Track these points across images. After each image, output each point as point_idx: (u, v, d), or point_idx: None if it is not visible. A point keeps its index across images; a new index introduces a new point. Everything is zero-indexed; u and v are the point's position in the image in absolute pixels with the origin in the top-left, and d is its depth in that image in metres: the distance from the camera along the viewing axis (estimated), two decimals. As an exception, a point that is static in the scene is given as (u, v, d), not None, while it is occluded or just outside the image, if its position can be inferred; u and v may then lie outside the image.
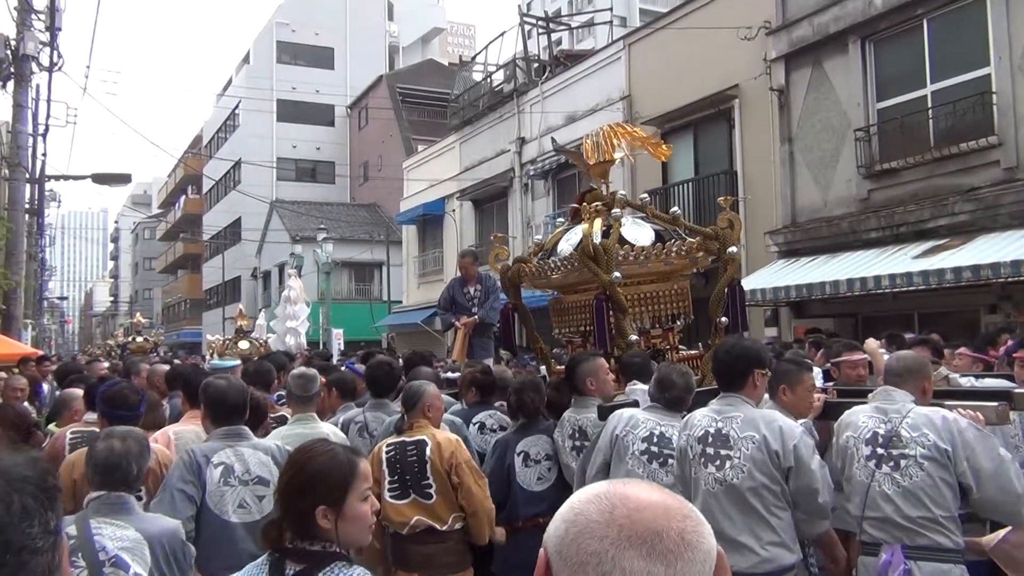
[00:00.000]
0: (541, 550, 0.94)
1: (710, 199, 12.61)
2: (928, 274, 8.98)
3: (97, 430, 3.59)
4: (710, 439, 3.20)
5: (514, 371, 6.39)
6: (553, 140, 12.87)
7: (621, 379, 4.42)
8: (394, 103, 32.67)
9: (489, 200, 21.11)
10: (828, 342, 6.80)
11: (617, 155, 5.20)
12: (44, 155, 18.61)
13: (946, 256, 9.18)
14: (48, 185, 21.46)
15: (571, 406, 4.25)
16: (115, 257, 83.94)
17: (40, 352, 12.30)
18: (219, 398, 3.45)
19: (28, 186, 16.16)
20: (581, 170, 7.11)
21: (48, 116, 18.20)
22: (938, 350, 5.66)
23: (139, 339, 21.22)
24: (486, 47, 23.46)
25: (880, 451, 3.31)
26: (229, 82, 45.22)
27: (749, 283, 10.46)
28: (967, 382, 4.62)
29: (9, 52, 13.22)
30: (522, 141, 19.32)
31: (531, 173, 18.64)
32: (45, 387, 8.74)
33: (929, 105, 10.49)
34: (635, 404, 3.88)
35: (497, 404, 4.90)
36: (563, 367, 4.75)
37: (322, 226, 25.31)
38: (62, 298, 73.08)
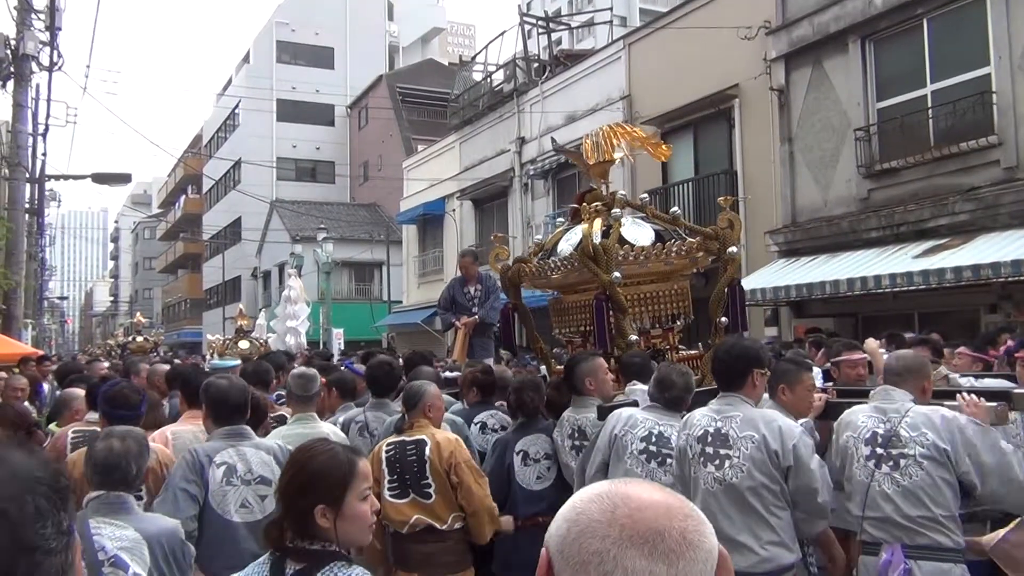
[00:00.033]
0: (543, 550, 0.94)
1: (710, 199, 12.60)
2: (928, 274, 8.99)
3: (99, 429, 3.60)
4: (709, 438, 3.21)
5: (514, 371, 6.39)
6: (553, 140, 12.84)
7: (621, 379, 4.42)
8: (394, 103, 32.65)
9: (489, 200, 21.09)
10: (828, 342, 6.80)
11: (617, 155, 5.19)
12: (44, 155, 18.63)
13: (946, 256, 9.19)
14: (48, 185, 21.45)
15: (570, 406, 4.25)
16: (115, 257, 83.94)
17: (40, 352, 12.29)
18: (221, 398, 3.46)
19: (28, 186, 16.16)
20: (581, 170, 7.10)
21: (48, 116, 18.23)
22: (938, 350, 5.68)
23: (139, 339, 21.22)
24: (486, 47, 23.45)
25: (879, 451, 3.32)
26: (229, 82, 45.20)
27: (749, 283, 10.46)
28: (967, 382, 4.62)
29: (9, 52, 13.23)
30: (522, 141, 19.31)
31: (531, 173, 18.62)
32: (45, 387, 8.74)
33: (929, 105, 10.49)
34: (635, 404, 3.88)
35: (497, 404, 4.91)
36: (563, 367, 4.75)
37: (322, 226, 25.30)
38: (62, 298, 73.06)
